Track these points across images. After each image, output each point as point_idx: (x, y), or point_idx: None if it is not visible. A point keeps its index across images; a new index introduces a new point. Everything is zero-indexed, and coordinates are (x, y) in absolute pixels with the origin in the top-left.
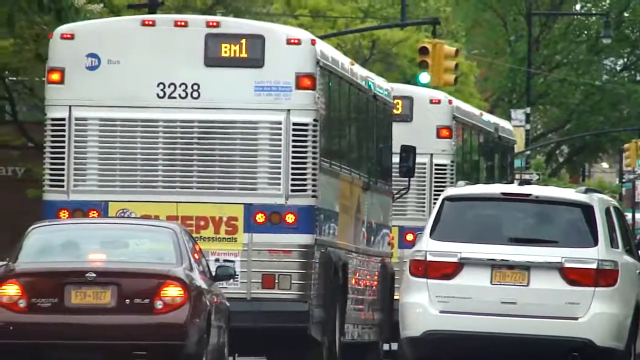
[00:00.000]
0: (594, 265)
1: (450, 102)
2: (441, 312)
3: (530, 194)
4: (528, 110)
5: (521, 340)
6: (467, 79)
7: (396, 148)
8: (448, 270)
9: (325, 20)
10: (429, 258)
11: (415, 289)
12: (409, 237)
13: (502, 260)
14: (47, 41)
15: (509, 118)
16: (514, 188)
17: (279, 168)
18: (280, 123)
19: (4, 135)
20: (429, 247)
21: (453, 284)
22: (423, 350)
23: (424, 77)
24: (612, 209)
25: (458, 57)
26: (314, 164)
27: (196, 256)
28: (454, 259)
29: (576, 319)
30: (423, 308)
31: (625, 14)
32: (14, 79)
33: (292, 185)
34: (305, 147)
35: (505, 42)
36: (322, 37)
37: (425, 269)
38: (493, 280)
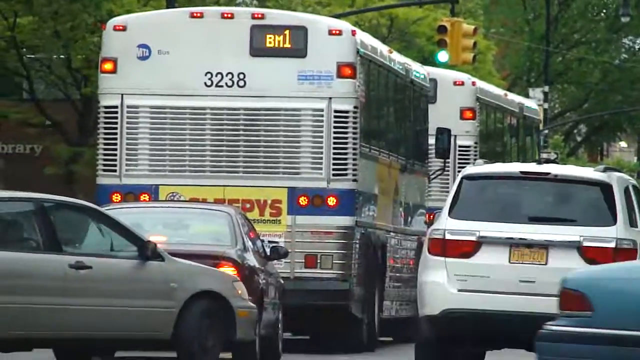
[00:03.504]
0: (612, 244)
1: (473, 83)
2: (459, 290)
3: (549, 173)
4: (546, 89)
5: (539, 319)
6: (485, 58)
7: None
8: (466, 249)
9: None
10: (448, 237)
11: (434, 268)
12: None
13: (521, 239)
14: (66, 18)
15: (527, 97)
16: (532, 167)
17: (321, 153)
18: (322, 110)
19: (22, 113)
20: (448, 225)
21: (471, 262)
22: (441, 329)
23: (443, 55)
24: (631, 188)
25: (476, 35)
26: (354, 149)
27: (251, 236)
28: (473, 238)
29: None
30: (441, 287)
31: None
32: (32, 56)
33: (334, 169)
34: (346, 133)
35: (523, 20)
36: (340, 16)
37: (443, 247)
38: (511, 259)
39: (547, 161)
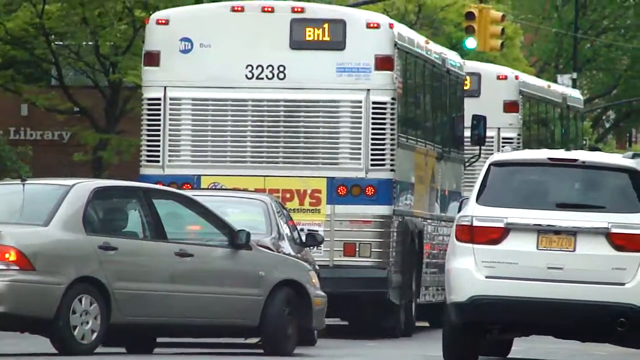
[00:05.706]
0: None
1: (517, 77)
2: (487, 277)
3: (576, 159)
4: (575, 75)
5: (568, 306)
6: (513, 44)
7: (466, 122)
8: (494, 236)
9: None
10: (475, 223)
11: (461, 254)
12: None
13: (549, 225)
14: (94, 5)
15: (555, 83)
16: (560, 153)
17: (360, 144)
18: (360, 102)
19: (50, 100)
20: (475, 212)
21: (499, 249)
22: (469, 315)
23: (471, 42)
24: None
25: (504, 22)
26: (392, 139)
27: (289, 224)
28: (500, 224)
29: (623, 284)
30: (469, 273)
31: None
32: (60, 43)
33: (372, 160)
34: (384, 124)
35: (552, 6)
36: (368, 3)
37: (471, 234)
38: (539, 246)
39: (592, 148)
